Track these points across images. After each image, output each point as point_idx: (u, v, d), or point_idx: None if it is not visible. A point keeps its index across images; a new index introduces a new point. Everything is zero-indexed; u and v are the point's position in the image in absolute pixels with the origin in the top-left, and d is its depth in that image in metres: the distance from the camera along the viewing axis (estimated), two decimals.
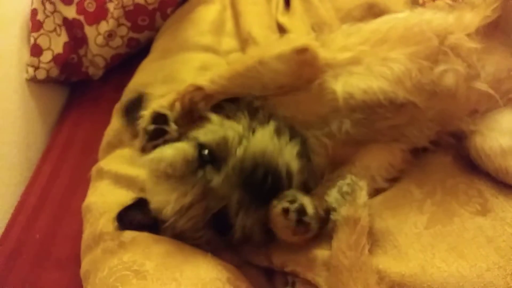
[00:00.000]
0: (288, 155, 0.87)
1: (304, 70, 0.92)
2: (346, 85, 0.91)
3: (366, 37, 0.97)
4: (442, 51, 0.94)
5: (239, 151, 0.84)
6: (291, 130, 0.94)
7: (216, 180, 0.83)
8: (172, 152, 0.89)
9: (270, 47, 0.96)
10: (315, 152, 0.96)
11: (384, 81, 0.90)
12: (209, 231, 0.90)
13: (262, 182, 0.80)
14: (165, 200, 0.87)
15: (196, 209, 0.85)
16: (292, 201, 0.83)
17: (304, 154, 0.93)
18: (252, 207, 0.83)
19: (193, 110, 1.00)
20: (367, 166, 1.00)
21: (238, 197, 0.82)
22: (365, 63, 0.93)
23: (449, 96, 0.95)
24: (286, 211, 0.83)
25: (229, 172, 0.82)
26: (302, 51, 0.89)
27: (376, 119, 0.96)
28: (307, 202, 0.86)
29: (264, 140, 0.86)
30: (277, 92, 0.94)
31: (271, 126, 0.89)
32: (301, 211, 0.84)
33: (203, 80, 0.95)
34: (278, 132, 0.90)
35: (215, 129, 0.91)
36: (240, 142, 0.86)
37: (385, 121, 0.96)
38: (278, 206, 0.83)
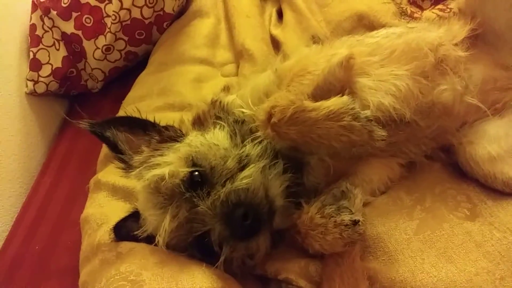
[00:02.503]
0: (274, 191, 0.89)
1: (350, 77, 0.93)
2: (362, 100, 0.92)
3: (371, 50, 0.99)
4: (439, 67, 0.97)
5: (228, 185, 0.85)
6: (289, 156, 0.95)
7: (202, 206, 0.85)
8: (166, 170, 0.89)
9: (315, 58, 0.96)
10: (315, 173, 0.97)
11: (393, 99, 0.92)
12: (193, 251, 0.92)
13: (242, 219, 0.82)
14: (158, 224, 0.89)
15: (181, 229, 0.87)
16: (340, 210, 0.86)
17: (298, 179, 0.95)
18: (232, 241, 0.84)
19: (206, 119, 1.03)
20: (370, 180, 1.02)
21: (219, 229, 0.84)
22: (373, 76, 0.94)
23: (445, 113, 0.97)
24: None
25: (215, 201, 0.84)
26: (351, 58, 0.91)
27: None
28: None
29: (252, 176, 0.86)
30: None
31: (262, 162, 0.90)
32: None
33: (295, 98, 0.89)
34: (271, 165, 0.91)
35: (218, 152, 0.91)
36: (232, 176, 0.87)
37: (386, 138, 0.99)
38: (337, 217, 0.85)
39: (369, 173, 1.04)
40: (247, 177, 0.85)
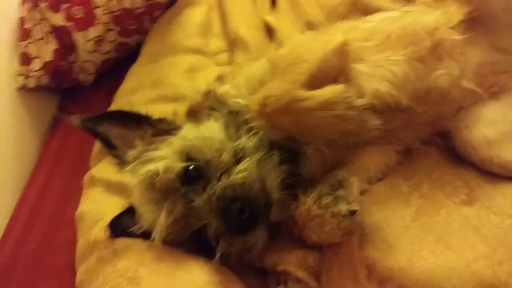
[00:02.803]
0: (270, 183, 0.88)
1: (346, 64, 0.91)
2: (357, 87, 0.89)
3: (366, 35, 0.96)
4: (435, 51, 0.95)
5: (224, 179, 0.84)
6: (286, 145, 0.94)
7: (198, 201, 0.84)
8: (161, 165, 0.89)
9: (309, 46, 0.94)
10: (312, 163, 0.96)
11: (389, 85, 0.90)
12: (190, 246, 0.91)
13: (238, 214, 0.81)
14: (154, 220, 0.88)
15: (177, 225, 0.86)
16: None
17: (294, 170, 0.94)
18: (229, 236, 0.84)
19: (200, 111, 1.01)
20: (366, 167, 1.01)
21: (216, 224, 0.83)
22: (368, 61, 0.92)
23: (441, 98, 0.96)
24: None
25: (211, 196, 0.83)
26: (346, 45, 0.90)
27: None
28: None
29: (248, 169, 0.85)
30: None
31: (258, 154, 0.89)
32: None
33: (290, 87, 0.87)
34: (266, 157, 0.90)
35: (213, 145, 0.90)
36: (227, 169, 0.86)
37: (382, 125, 0.97)
38: (334, 208, 0.85)
39: (366, 161, 1.03)
40: (243, 171, 0.85)
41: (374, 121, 0.80)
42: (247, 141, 0.91)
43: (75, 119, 0.98)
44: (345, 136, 0.83)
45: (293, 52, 0.93)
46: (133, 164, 0.95)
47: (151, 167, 0.89)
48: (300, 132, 0.86)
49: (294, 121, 0.83)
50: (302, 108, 0.81)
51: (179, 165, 0.88)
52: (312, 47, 0.90)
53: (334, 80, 0.87)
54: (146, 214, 0.91)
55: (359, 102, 0.80)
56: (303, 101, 0.81)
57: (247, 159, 0.87)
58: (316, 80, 0.86)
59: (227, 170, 0.86)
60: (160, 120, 1.03)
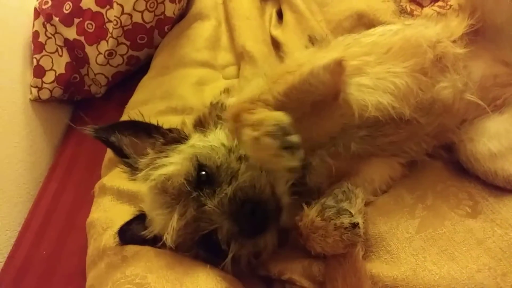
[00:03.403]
0: (280, 188, 0.90)
1: (340, 80, 0.91)
2: (359, 100, 0.91)
3: (368, 49, 0.98)
4: (437, 64, 0.97)
5: (234, 183, 0.86)
6: None
7: (209, 204, 0.86)
8: (173, 169, 0.91)
9: (302, 61, 0.93)
10: (317, 174, 0.98)
11: (391, 97, 0.91)
12: (199, 250, 0.93)
13: (250, 216, 0.83)
14: (165, 224, 0.90)
15: (188, 227, 0.88)
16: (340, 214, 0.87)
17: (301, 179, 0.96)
18: (240, 238, 0.85)
19: (207, 121, 1.04)
20: (371, 180, 1.02)
21: (228, 227, 0.85)
22: (370, 74, 0.93)
23: (445, 110, 0.97)
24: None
25: (222, 199, 0.85)
26: (341, 62, 0.89)
27: (378, 135, 0.98)
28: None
29: (258, 173, 0.88)
30: (305, 111, 0.93)
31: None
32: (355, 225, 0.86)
33: (265, 94, 0.87)
34: None
35: (221, 152, 0.92)
36: (237, 174, 0.88)
37: (386, 137, 0.99)
38: (336, 220, 0.85)
39: (371, 173, 1.04)
40: (244, 173, 0.87)
41: (290, 162, 0.77)
42: (243, 147, 0.91)
43: (88, 129, 1.00)
44: (260, 162, 0.83)
45: (285, 65, 0.94)
46: (144, 171, 0.97)
47: (163, 171, 0.91)
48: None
49: (234, 130, 0.83)
50: (243, 119, 0.81)
51: (191, 170, 0.90)
52: (304, 61, 0.91)
53: (324, 95, 0.88)
54: (158, 218, 0.93)
55: (289, 137, 0.77)
56: (249, 113, 0.81)
57: (244, 163, 0.89)
58: (297, 93, 0.86)
59: (235, 175, 0.88)
60: (170, 130, 1.05)
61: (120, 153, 1.02)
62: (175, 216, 0.87)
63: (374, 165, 1.04)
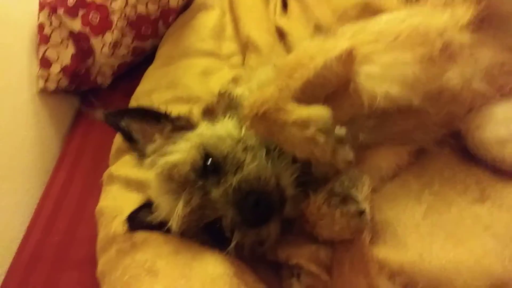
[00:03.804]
0: (285, 180, 0.90)
1: (351, 70, 0.91)
2: (369, 90, 0.91)
3: (374, 37, 0.98)
4: (445, 53, 0.96)
5: (239, 173, 0.87)
6: None
7: (215, 193, 0.87)
8: (179, 157, 0.92)
9: (312, 52, 0.92)
10: (324, 164, 0.94)
11: (400, 87, 0.91)
12: (204, 237, 0.94)
13: (254, 207, 0.84)
14: (171, 210, 0.91)
15: (193, 215, 0.89)
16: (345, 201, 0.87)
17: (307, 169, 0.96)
18: (243, 227, 0.86)
19: (216, 110, 1.04)
20: (379, 167, 1.02)
21: (232, 215, 0.86)
22: (378, 63, 0.93)
23: (453, 99, 0.97)
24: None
25: (227, 189, 0.86)
26: (351, 51, 0.89)
27: (386, 125, 0.99)
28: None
29: (264, 164, 0.88)
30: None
31: (263, 150, 0.91)
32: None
33: (278, 94, 0.86)
34: (280, 154, 0.92)
35: (228, 142, 0.93)
36: (243, 164, 0.89)
37: (395, 127, 0.99)
38: (343, 207, 0.86)
39: (378, 160, 1.04)
40: (251, 163, 0.88)
41: (347, 155, 0.78)
42: (251, 138, 0.94)
43: (98, 114, 1.01)
44: (314, 160, 0.82)
45: (296, 57, 0.93)
46: (152, 157, 0.98)
47: (170, 158, 0.92)
48: (275, 142, 0.86)
49: (268, 129, 0.83)
50: (278, 119, 0.81)
51: (197, 158, 0.91)
52: (315, 53, 0.90)
53: (336, 87, 0.88)
54: (164, 204, 0.94)
55: (338, 131, 0.78)
56: (281, 112, 0.81)
57: (250, 153, 0.90)
58: (313, 87, 0.86)
59: (241, 165, 0.89)
60: (179, 117, 1.05)
61: (129, 138, 1.02)
62: (181, 203, 0.88)
63: (381, 152, 1.04)
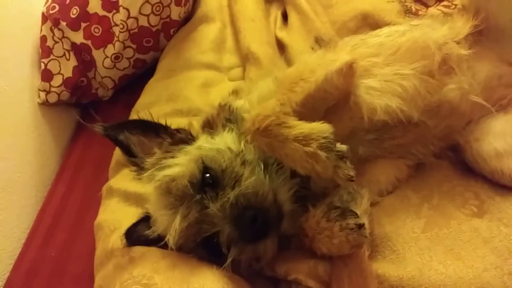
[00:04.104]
0: (282, 196, 0.90)
1: (348, 85, 0.91)
2: (368, 103, 0.91)
3: (375, 50, 0.98)
4: (444, 66, 0.97)
5: (237, 188, 0.87)
6: None
7: (212, 207, 0.86)
8: (178, 170, 0.92)
9: (313, 65, 0.92)
10: (322, 178, 0.93)
11: (400, 100, 0.91)
12: (201, 252, 0.94)
13: (251, 222, 0.83)
14: (168, 225, 0.91)
15: (190, 229, 0.89)
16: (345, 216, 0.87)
17: (306, 184, 0.96)
18: (240, 243, 0.86)
19: (215, 123, 1.04)
20: (377, 181, 1.02)
21: (228, 231, 0.86)
22: (378, 76, 0.93)
23: (452, 112, 0.97)
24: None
25: (225, 204, 0.86)
26: (352, 64, 0.90)
27: (386, 138, 0.99)
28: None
29: (261, 180, 0.88)
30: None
31: (260, 164, 0.91)
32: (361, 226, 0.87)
33: (286, 108, 0.87)
34: (278, 169, 0.92)
35: (227, 155, 0.93)
36: (241, 179, 0.88)
37: (394, 140, 0.99)
38: (342, 221, 0.86)
39: (376, 174, 1.04)
40: (248, 178, 0.87)
41: (347, 172, 0.78)
42: (249, 153, 0.93)
43: (98, 127, 1.01)
44: (316, 176, 0.82)
45: (296, 70, 0.94)
46: (150, 171, 0.97)
47: (168, 172, 0.92)
48: (276, 157, 0.86)
49: (270, 145, 0.83)
50: (280, 134, 0.81)
51: (196, 172, 0.91)
52: (315, 66, 0.91)
53: (336, 100, 0.88)
54: (161, 218, 0.94)
55: (340, 147, 0.78)
56: (283, 127, 0.81)
57: (248, 168, 0.90)
58: (313, 101, 0.87)
59: (239, 179, 0.88)
60: (178, 130, 1.05)
61: (128, 152, 1.02)
62: (178, 218, 0.88)
63: (380, 166, 1.04)
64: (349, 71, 0.88)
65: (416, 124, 0.95)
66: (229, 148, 0.95)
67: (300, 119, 0.83)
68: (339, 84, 0.87)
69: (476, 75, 1.00)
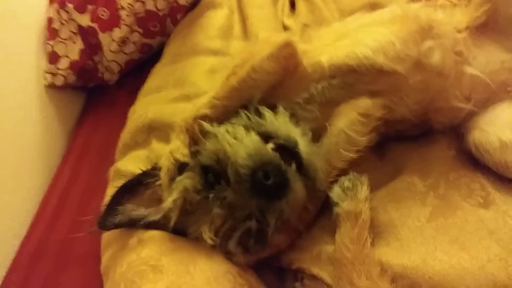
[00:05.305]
0: (293, 134, 0.89)
1: (290, 62, 0.93)
2: (331, 55, 0.94)
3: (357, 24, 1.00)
4: (428, 32, 0.96)
5: (232, 163, 0.84)
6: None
7: (229, 195, 0.84)
8: (181, 187, 0.90)
9: (249, 53, 0.94)
10: (305, 120, 0.96)
11: (366, 48, 0.92)
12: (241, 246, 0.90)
13: (266, 181, 0.80)
14: (199, 231, 0.90)
15: (226, 225, 0.86)
16: None
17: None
18: (272, 207, 0.82)
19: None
20: (340, 130, 0.96)
21: (256, 204, 0.82)
22: (351, 36, 0.95)
23: (436, 72, 0.96)
24: None
25: (235, 184, 0.83)
26: (287, 46, 0.91)
27: (355, 82, 0.97)
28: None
29: (248, 142, 0.86)
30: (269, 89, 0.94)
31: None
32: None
33: (203, 108, 0.92)
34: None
35: (211, 143, 0.90)
36: (230, 152, 0.86)
37: (365, 85, 0.97)
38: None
39: (338, 122, 0.98)
40: (244, 145, 0.85)
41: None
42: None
43: (95, 230, 0.98)
44: None
45: (245, 52, 0.96)
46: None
47: (175, 194, 0.91)
48: None
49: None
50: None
51: (197, 177, 0.89)
52: (248, 55, 0.91)
53: (277, 80, 0.91)
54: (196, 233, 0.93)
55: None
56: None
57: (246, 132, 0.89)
58: (241, 92, 0.91)
59: (232, 154, 0.86)
60: (154, 168, 1.02)
61: (133, 223, 1.00)
62: (212, 226, 0.87)
63: (341, 110, 0.99)
64: (285, 51, 0.91)
65: (389, 72, 0.94)
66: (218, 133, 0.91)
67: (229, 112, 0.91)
68: (271, 70, 0.90)
69: (477, 57, 0.99)
